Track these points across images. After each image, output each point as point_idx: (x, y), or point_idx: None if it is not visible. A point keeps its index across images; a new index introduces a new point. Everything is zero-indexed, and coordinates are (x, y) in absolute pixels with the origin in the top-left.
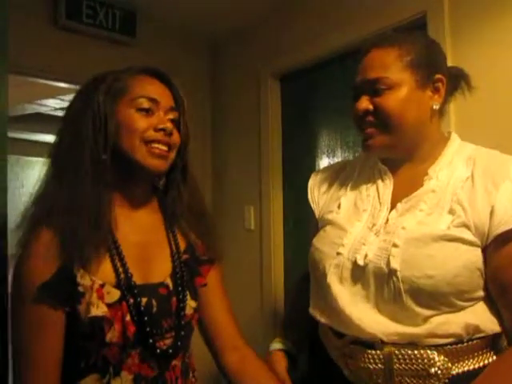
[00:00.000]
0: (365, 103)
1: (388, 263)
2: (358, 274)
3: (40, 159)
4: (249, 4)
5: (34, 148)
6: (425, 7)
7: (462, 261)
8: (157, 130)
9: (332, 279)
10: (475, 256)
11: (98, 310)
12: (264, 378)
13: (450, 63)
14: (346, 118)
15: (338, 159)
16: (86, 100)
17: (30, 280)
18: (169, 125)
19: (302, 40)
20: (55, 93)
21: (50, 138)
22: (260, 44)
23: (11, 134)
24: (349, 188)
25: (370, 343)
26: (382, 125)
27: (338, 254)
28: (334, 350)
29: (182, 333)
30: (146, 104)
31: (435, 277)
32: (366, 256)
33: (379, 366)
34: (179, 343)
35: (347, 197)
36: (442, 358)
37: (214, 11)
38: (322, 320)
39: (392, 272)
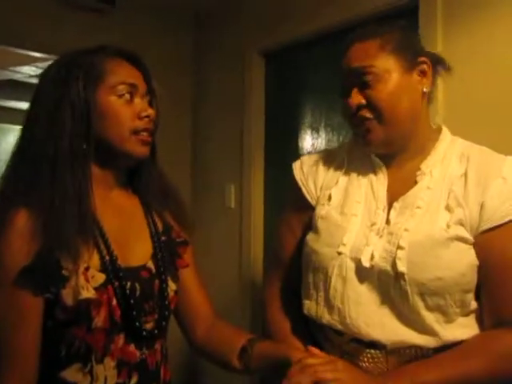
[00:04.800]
0: (356, 98)
1: (394, 266)
2: (364, 275)
3: (13, 126)
4: None
5: (8, 115)
6: None
7: (466, 260)
8: (141, 117)
9: (337, 280)
10: (473, 254)
11: (89, 292)
12: (230, 333)
13: (440, 48)
14: (331, 98)
15: (321, 140)
16: (62, 86)
17: (8, 263)
18: (151, 111)
19: (288, 18)
20: (30, 61)
21: (23, 105)
22: (246, 20)
23: None
24: (339, 179)
25: (372, 343)
26: (378, 118)
27: (340, 253)
28: (332, 349)
29: (166, 313)
30: (126, 90)
31: (444, 278)
32: (372, 257)
33: (379, 365)
34: (163, 323)
35: (337, 186)
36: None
37: None
38: (324, 321)
39: (399, 275)
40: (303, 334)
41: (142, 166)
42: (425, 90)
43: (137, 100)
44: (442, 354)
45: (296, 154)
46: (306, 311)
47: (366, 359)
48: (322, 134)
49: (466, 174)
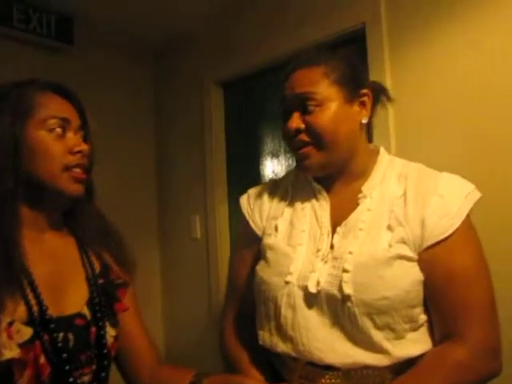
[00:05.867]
0: (296, 122)
1: (341, 289)
2: (312, 301)
3: None
4: (191, 10)
5: None
6: (364, 18)
7: (410, 277)
8: (73, 153)
9: (286, 309)
10: (417, 271)
11: (12, 352)
12: (175, 373)
13: (388, 73)
14: None
15: (281, 166)
16: None
17: None
18: (84, 146)
19: (244, 47)
20: None
21: None
22: (203, 51)
23: None
24: (284, 209)
25: (327, 366)
26: (316, 143)
27: (287, 282)
28: (290, 374)
29: (105, 362)
30: (57, 125)
31: (390, 297)
32: (318, 283)
33: None
34: (103, 374)
35: (283, 218)
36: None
37: (156, 17)
38: (278, 350)
39: (346, 297)
40: (261, 362)
41: (78, 204)
42: (363, 121)
43: (69, 135)
44: (401, 379)
45: (258, 180)
46: (260, 341)
47: (323, 381)
48: (282, 160)
49: (405, 194)
